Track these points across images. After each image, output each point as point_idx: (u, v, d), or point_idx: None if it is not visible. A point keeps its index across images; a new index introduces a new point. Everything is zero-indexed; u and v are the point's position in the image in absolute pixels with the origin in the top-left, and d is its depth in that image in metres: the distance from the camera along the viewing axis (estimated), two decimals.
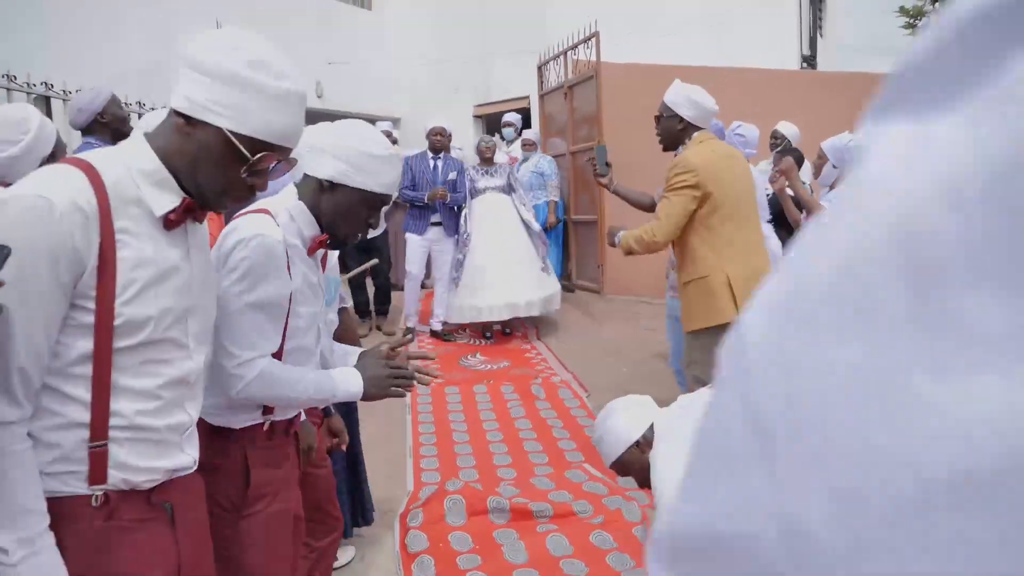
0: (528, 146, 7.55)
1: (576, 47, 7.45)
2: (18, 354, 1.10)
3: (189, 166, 1.26)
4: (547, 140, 8.34)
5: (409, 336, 6.23)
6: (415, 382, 1.83)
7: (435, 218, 6.28)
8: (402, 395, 1.81)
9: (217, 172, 1.28)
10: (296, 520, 1.79)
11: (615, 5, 9.14)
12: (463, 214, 6.32)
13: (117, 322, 1.18)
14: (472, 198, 6.32)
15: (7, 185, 2.17)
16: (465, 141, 10.00)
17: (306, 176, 1.72)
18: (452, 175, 6.28)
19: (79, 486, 1.20)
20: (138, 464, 1.25)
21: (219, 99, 1.22)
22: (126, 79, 8.38)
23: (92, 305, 1.16)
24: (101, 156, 1.22)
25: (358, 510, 3.10)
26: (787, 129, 5.84)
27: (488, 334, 6.47)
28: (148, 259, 1.22)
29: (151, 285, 1.22)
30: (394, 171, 1.74)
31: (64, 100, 6.37)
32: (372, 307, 6.78)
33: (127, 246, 1.18)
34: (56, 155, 2.20)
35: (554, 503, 3.37)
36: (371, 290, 6.82)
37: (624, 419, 2.15)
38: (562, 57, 7.77)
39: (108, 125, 3.32)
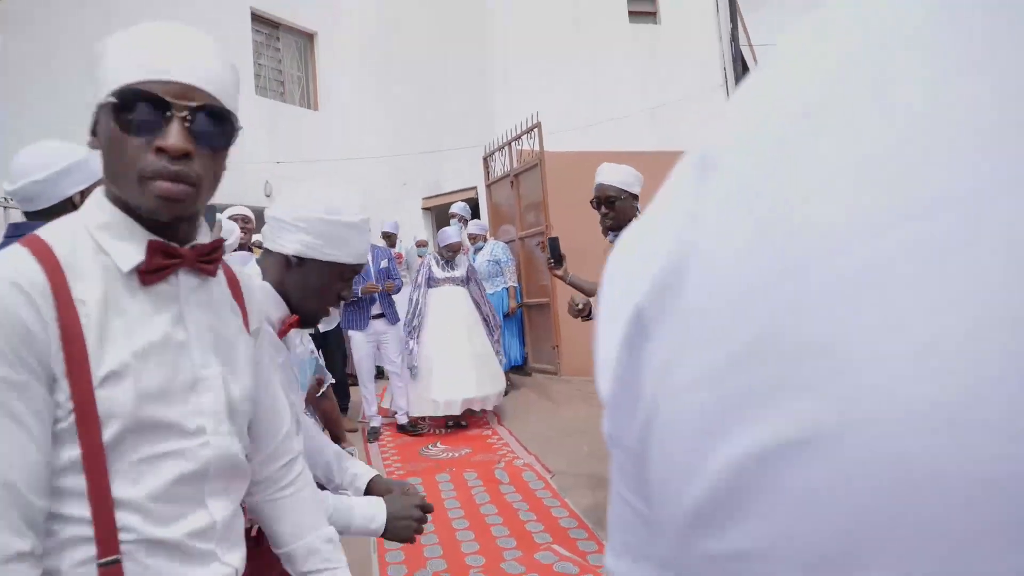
0: (475, 238, 7.64)
1: (520, 137, 7.73)
2: None
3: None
4: (497, 227, 8.53)
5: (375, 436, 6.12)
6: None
7: (375, 310, 6.24)
8: (413, 541, 1.64)
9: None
10: None
11: (559, 99, 9.58)
12: (413, 301, 6.31)
13: (100, 409, 0.96)
14: (428, 288, 6.35)
15: (33, 213, 2.08)
16: (414, 233, 10.16)
17: (268, 252, 1.57)
18: (384, 263, 6.32)
19: None
20: None
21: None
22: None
23: (66, 395, 0.95)
24: (50, 226, 1.03)
25: None
26: None
27: (449, 423, 6.40)
28: (123, 328, 1.00)
29: (132, 360, 0.99)
30: (365, 237, 1.58)
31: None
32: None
33: (90, 316, 0.97)
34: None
35: None
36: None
37: None
38: (507, 147, 8.05)
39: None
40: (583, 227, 6.51)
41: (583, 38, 10.11)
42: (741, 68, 12.14)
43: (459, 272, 6.41)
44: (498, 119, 8.98)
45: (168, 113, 0.99)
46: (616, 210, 3.51)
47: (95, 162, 2.15)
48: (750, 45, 15.68)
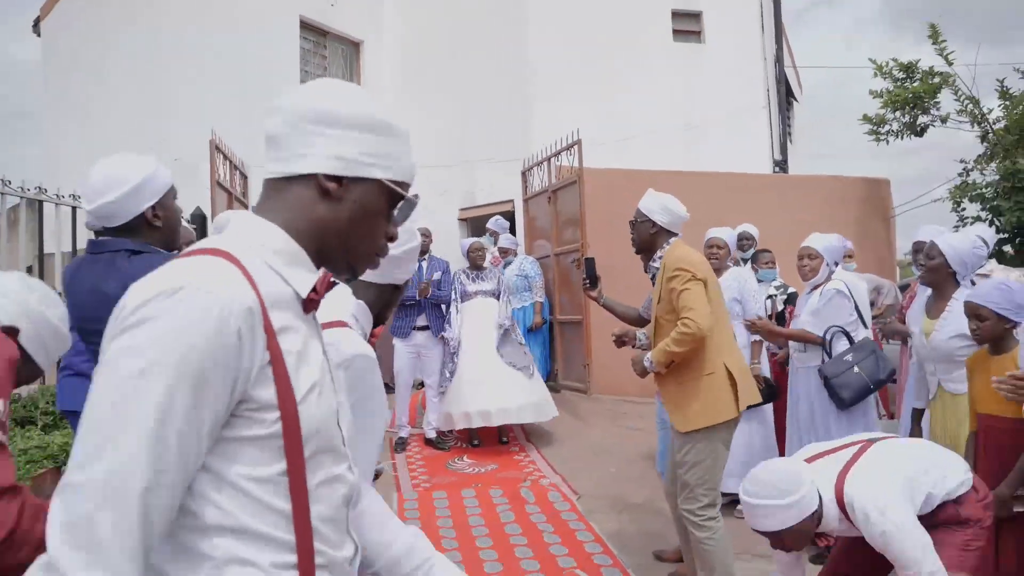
0: (506, 252, 7.65)
1: (559, 153, 7.73)
2: (150, 492, 0.83)
3: (339, 234, 1.08)
4: (532, 242, 8.53)
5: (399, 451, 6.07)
6: None
7: (420, 321, 6.23)
8: None
9: (374, 230, 1.12)
10: None
11: (596, 113, 9.58)
12: (449, 319, 6.31)
13: (305, 428, 0.97)
14: (462, 302, 6.34)
15: (112, 229, 2.12)
16: (451, 244, 10.20)
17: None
18: (436, 275, 6.33)
19: None
20: None
21: (374, 150, 1.07)
22: None
23: (273, 415, 0.94)
24: (226, 243, 0.99)
25: None
26: (753, 231, 6.07)
27: (476, 441, 6.34)
28: (303, 351, 1.00)
29: (317, 379, 1.01)
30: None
31: (56, 204, 6.50)
32: None
33: (287, 340, 0.97)
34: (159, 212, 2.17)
35: None
36: None
37: (806, 492, 2.33)
38: (546, 163, 8.05)
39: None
40: (619, 246, 6.47)
41: (626, 55, 10.11)
42: (784, 90, 12.04)
43: (489, 284, 6.41)
44: (535, 134, 9.00)
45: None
46: (635, 231, 3.54)
47: (161, 174, 2.18)
48: (794, 67, 15.56)
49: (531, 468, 5.77)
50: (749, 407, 3.38)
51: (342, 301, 1.56)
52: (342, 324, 1.46)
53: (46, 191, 6.15)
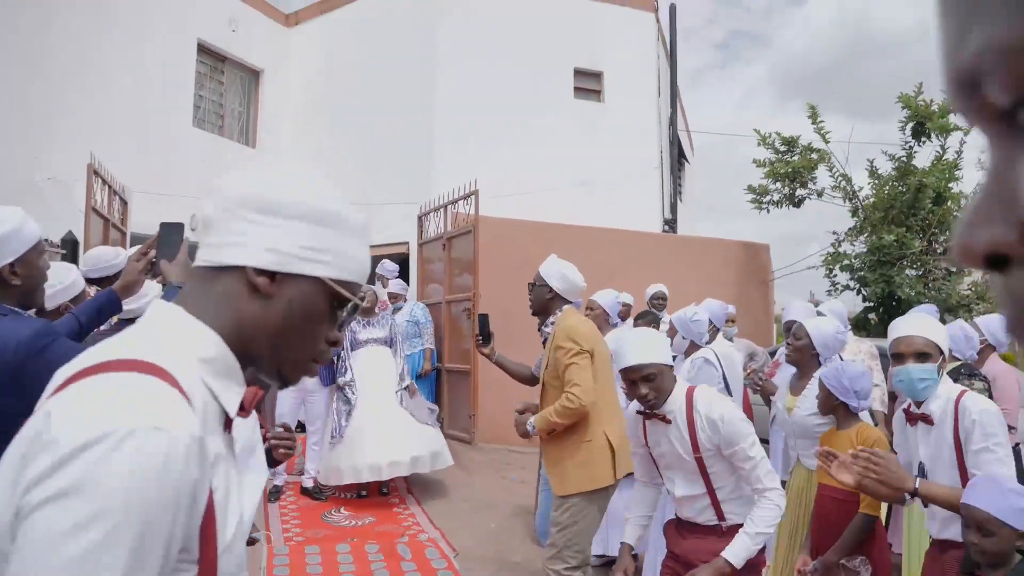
0: (395, 298, 7.54)
1: (456, 201, 7.76)
2: None
3: (269, 337, 0.95)
4: (424, 287, 8.48)
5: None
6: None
7: None
8: None
9: (311, 334, 0.99)
10: None
11: (497, 164, 9.70)
12: (341, 365, 6.09)
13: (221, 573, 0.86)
14: (352, 350, 6.13)
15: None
16: None
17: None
18: None
19: None
20: None
21: (315, 244, 0.95)
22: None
23: (193, 557, 0.83)
24: (152, 349, 0.86)
25: None
26: (666, 291, 6.28)
27: (363, 492, 6.10)
28: (227, 484, 0.90)
29: (239, 517, 0.92)
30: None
31: None
32: None
33: (217, 475, 0.86)
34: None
35: None
36: None
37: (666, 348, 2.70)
38: (442, 210, 8.06)
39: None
40: (511, 295, 6.55)
41: (528, 108, 10.34)
42: (677, 152, 12.62)
43: (380, 332, 6.22)
44: (436, 179, 9.03)
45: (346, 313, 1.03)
46: (532, 294, 3.63)
47: (26, 231, 2.02)
48: (687, 130, 16.36)
49: (410, 522, 5.63)
50: (627, 475, 3.44)
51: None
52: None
53: None
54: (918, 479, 2.30)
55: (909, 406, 2.59)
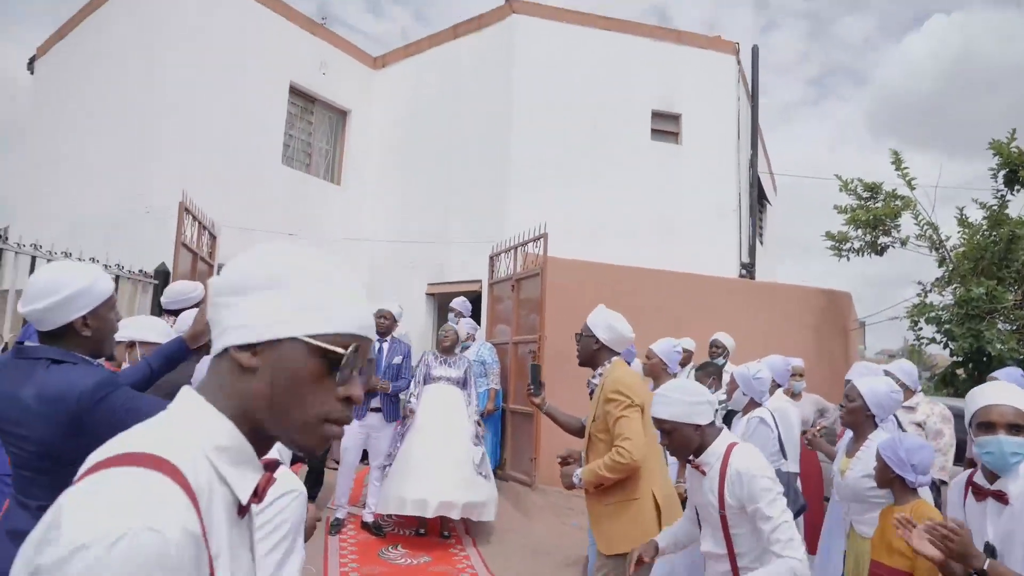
0: (465, 337, 7.48)
1: (526, 244, 7.85)
2: None
3: (267, 408, 0.96)
4: (494, 327, 8.57)
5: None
6: None
7: (374, 403, 6.15)
8: None
9: (308, 395, 0.97)
10: None
11: (572, 205, 9.78)
12: (409, 397, 6.21)
13: None
14: (425, 383, 6.23)
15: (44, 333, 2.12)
16: (417, 317, 10.22)
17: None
18: (397, 359, 6.24)
19: None
20: None
21: (288, 305, 0.95)
22: (84, 230, 8.56)
23: None
24: (165, 440, 0.89)
25: None
26: (727, 340, 6.15)
27: (422, 530, 6.16)
28: (231, 568, 0.93)
29: None
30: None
31: (16, 252, 6.45)
32: None
33: (221, 565, 0.89)
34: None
35: None
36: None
37: (694, 404, 2.69)
38: (513, 251, 8.17)
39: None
40: None
41: (604, 149, 10.40)
42: (757, 194, 12.38)
43: (455, 372, 6.29)
44: (510, 219, 9.16)
45: (359, 367, 1.02)
46: (579, 344, 3.64)
47: (99, 286, 2.21)
48: (770, 172, 16.03)
49: (464, 564, 5.66)
50: None
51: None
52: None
53: (6, 239, 6.12)
54: (988, 560, 2.17)
55: (972, 477, 2.45)
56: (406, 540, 6.07)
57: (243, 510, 0.97)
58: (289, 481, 1.50)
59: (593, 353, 3.59)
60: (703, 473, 2.65)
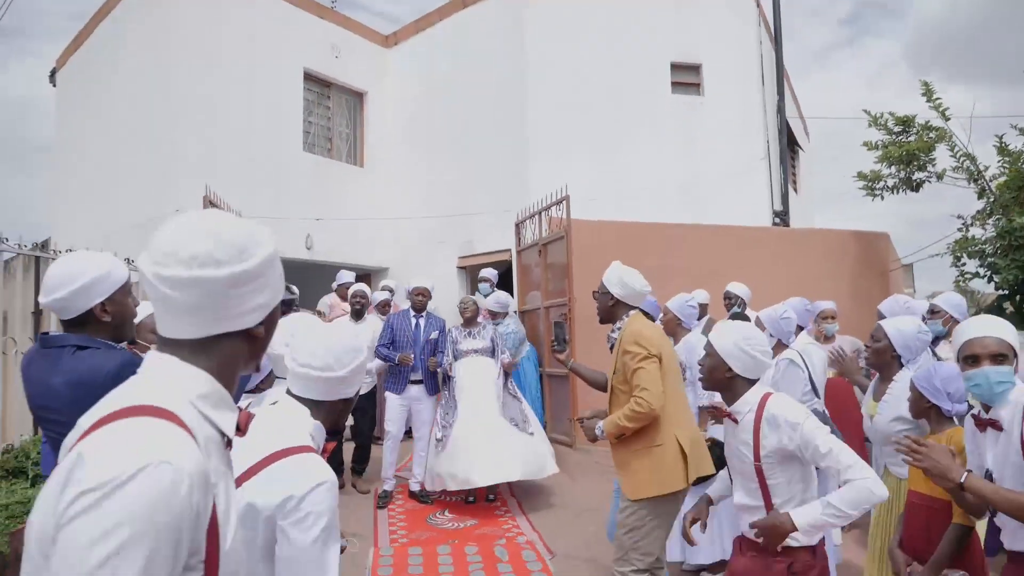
0: (495, 315, 7.17)
1: (549, 208, 7.83)
2: None
3: (257, 354, 1.24)
4: (525, 294, 8.60)
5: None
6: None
7: (414, 376, 6.24)
8: None
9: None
10: None
11: (594, 166, 9.70)
12: (447, 374, 6.30)
13: (223, 572, 1.06)
14: (455, 359, 6.31)
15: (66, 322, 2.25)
16: (450, 291, 10.28)
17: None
18: (434, 334, 6.33)
19: None
20: None
21: (273, 283, 1.21)
22: (119, 235, 8.76)
23: (199, 558, 1.01)
24: (156, 393, 1.06)
25: None
26: (739, 289, 6.07)
27: (471, 498, 6.26)
28: (227, 503, 1.10)
29: (232, 521, 1.11)
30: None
31: (52, 259, 6.65)
32: (349, 464, 6.75)
33: (218, 493, 1.06)
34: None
35: None
36: (348, 445, 6.80)
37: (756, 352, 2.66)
38: (537, 216, 8.15)
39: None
40: None
41: (625, 107, 10.25)
42: (787, 140, 12.10)
43: (481, 342, 6.33)
44: (533, 185, 9.12)
45: None
46: (598, 302, 3.68)
47: (115, 273, 2.30)
48: (800, 116, 15.63)
49: (510, 525, 5.75)
50: (702, 478, 3.39)
51: (301, 423, 1.72)
52: (308, 449, 1.63)
53: (42, 247, 6.31)
54: (966, 472, 2.21)
55: (978, 411, 2.45)
56: (452, 506, 6.18)
57: (230, 444, 1.15)
58: (319, 471, 1.58)
59: (610, 309, 3.63)
60: (735, 422, 2.64)
